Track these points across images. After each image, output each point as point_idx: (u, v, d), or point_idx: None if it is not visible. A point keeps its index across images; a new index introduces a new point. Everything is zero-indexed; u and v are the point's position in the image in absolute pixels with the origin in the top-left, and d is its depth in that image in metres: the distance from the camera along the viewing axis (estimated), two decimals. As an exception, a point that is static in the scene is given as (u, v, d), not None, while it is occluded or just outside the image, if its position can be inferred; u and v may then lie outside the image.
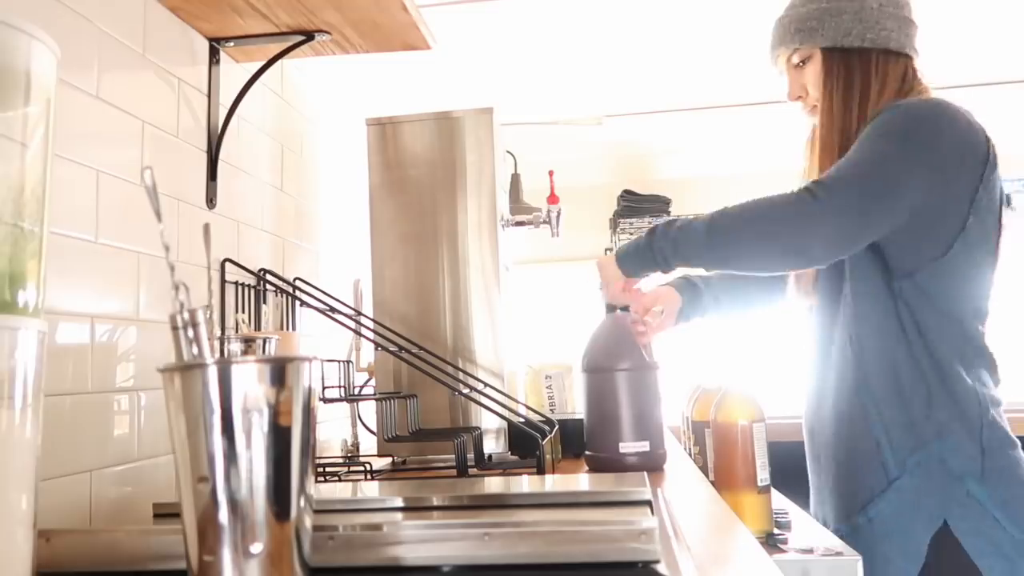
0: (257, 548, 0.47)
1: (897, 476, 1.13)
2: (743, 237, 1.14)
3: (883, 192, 1.09)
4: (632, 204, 3.27)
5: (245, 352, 1.05)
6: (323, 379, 1.34)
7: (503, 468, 1.21)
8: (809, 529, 1.25)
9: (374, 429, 1.61)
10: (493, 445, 1.42)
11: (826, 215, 1.08)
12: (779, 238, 1.11)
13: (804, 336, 1.37)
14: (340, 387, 1.29)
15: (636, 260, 1.24)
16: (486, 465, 1.24)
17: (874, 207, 1.09)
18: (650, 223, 3.14)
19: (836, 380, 1.24)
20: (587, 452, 1.31)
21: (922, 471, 1.12)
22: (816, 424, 1.31)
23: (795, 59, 1.28)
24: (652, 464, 1.25)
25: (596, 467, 1.28)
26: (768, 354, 3.57)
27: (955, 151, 1.13)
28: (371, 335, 1.40)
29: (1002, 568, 1.08)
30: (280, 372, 0.48)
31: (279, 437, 0.48)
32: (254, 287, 1.35)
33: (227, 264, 1.26)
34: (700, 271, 1.43)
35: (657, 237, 1.21)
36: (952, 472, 1.11)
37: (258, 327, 1.36)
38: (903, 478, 1.13)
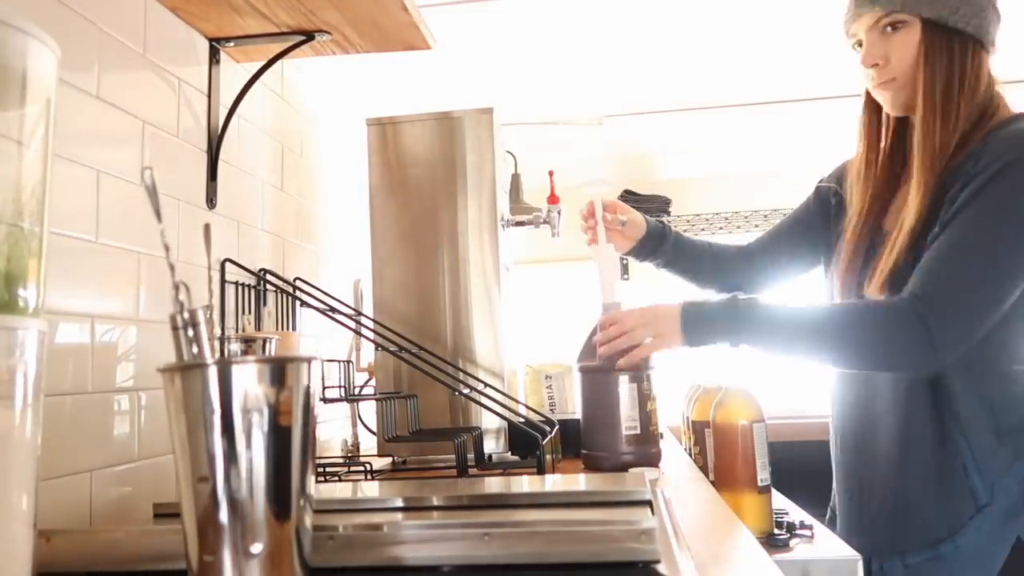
0: (257, 548, 0.47)
1: (987, 503, 1.08)
2: (837, 356, 1.12)
3: (999, 305, 1.04)
4: (632, 204, 3.26)
5: (245, 352, 1.05)
6: (323, 379, 1.34)
7: (503, 468, 1.21)
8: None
9: (374, 429, 1.61)
10: (493, 445, 1.42)
11: (941, 353, 1.03)
12: (881, 363, 1.11)
13: None
14: (340, 387, 1.29)
15: (705, 330, 1.17)
16: (486, 465, 1.24)
17: (989, 321, 1.04)
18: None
19: (897, 402, 1.17)
20: (583, 451, 1.31)
21: (1006, 494, 1.08)
22: (863, 448, 1.23)
23: (885, 21, 1.16)
24: (646, 462, 1.25)
25: (591, 465, 1.29)
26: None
27: None
28: (371, 335, 1.40)
29: None
30: (280, 372, 0.48)
31: (279, 437, 0.48)
32: (254, 287, 1.35)
33: (227, 264, 1.26)
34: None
35: (739, 319, 1.14)
36: None
37: (259, 327, 1.36)
38: (992, 503, 1.08)
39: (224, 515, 0.46)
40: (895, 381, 1.16)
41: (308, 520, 0.50)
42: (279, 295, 1.42)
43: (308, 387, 0.50)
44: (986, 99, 1.13)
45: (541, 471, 1.13)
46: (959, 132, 1.11)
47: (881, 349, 1.07)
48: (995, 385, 1.11)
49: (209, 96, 1.25)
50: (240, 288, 1.30)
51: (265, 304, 1.39)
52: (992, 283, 1.02)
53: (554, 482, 1.02)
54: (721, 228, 3.50)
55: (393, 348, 1.34)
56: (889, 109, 1.21)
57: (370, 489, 0.93)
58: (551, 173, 1.72)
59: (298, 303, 1.41)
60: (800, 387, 3.27)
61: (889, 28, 1.16)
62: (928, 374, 1.11)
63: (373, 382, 1.68)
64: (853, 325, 1.08)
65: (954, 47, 1.13)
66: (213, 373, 0.47)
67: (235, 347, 1.05)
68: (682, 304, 1.18)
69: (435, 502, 0.78)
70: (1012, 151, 1.05)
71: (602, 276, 1.35)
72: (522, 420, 1.32)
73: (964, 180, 1.07)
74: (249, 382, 0.47)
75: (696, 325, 1.17)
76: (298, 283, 1.47)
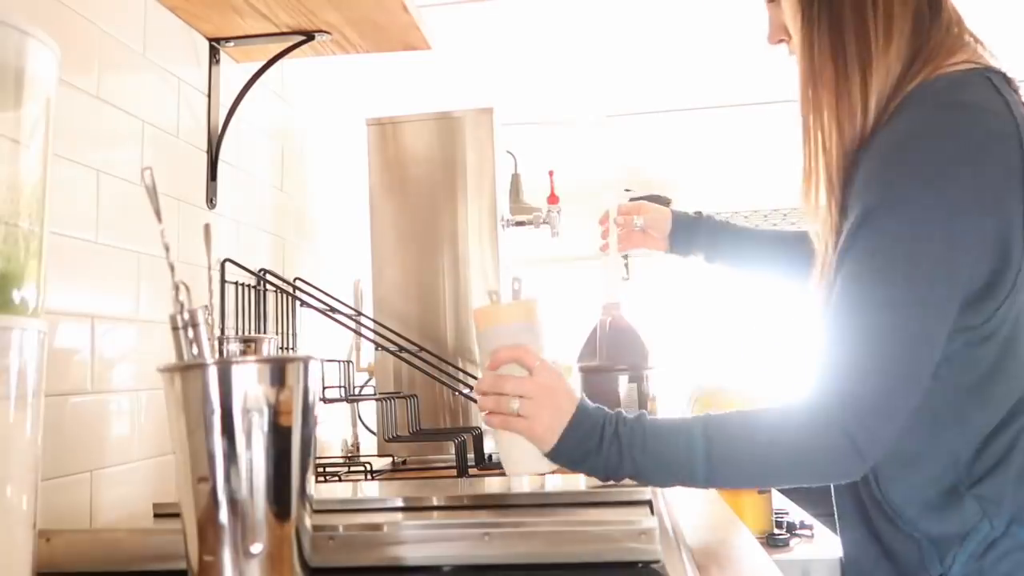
0: (257, 548, 0.47)
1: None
2: (751, 476, 0.83)
3: (921, 381, 0.77)
4: (632, 204, 3.27)
5: (244, 352, 1.05)
6: (323, 379, 1.34)
7: (503, 468, 1.21)
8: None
9: (374, 429, 1.61)
10: (493, 445, 1.42)
11: (871, 452, 0.77)
12: (805, 479, 0.81)
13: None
14: (340, 387, 1.29)
15: (574, 449, 0.80)
16: (486, 465, 1.24)
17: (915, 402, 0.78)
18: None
19: None
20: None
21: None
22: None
23: None
24: None
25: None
26: (768, 354, 3.58)
27: (996, 181, 0.75)
28: (371, 335, 1.40)
29: None
30: (280, 372, 0.48)
31: (279, 437, 0.48)
32: (254, 287, 1.35)
33: (227, 264, 1.26)
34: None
35: (615, 438, 0.80)
36: None
37: (260, 328, 1.36)
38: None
39: (224, 515, 0.46)
40: None
41: (308, 520, 0.50)
42: (279, 295, 1.42)
43: (308, 387, 0.50)
44: (913, 44, 0.81)
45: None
46: (862, 106, 0.82)
47: (815, 476, 0.80)
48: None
49: (209, 96, 1.25)
50: (240, 288, 1.30)
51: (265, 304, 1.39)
52: (907, 359, 0.76)
53: (554, 482, 1.02)
54: (721, 228, 3.51)
55: (393, 348, 1.34)
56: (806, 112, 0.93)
57: (370, 489, 0.94)
58: (551, 173, 1.72)
59: (298, 303, 1.41)
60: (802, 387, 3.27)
61: None
62: None
63: (373, 382, 1.68)
64: (774, 451, 0.79)
65: None
66: (213, 373, 0.47)
67: (234, 347, 1.05)
68: (578, 405, 0.82)
69: (435, 502, 0.78)
70: (878, 181, 0.77)
71: (605, 278, 1.35)
72: (522, 420, 1.31)
73: (851, 202, 0.80)
74: (249, 382, 0.47)
75: (571, 440, 0.80)
76: (298, 283, 1.47)
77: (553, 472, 0.84)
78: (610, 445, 0.79)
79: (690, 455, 0.78)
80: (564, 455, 0.80)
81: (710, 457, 0.77)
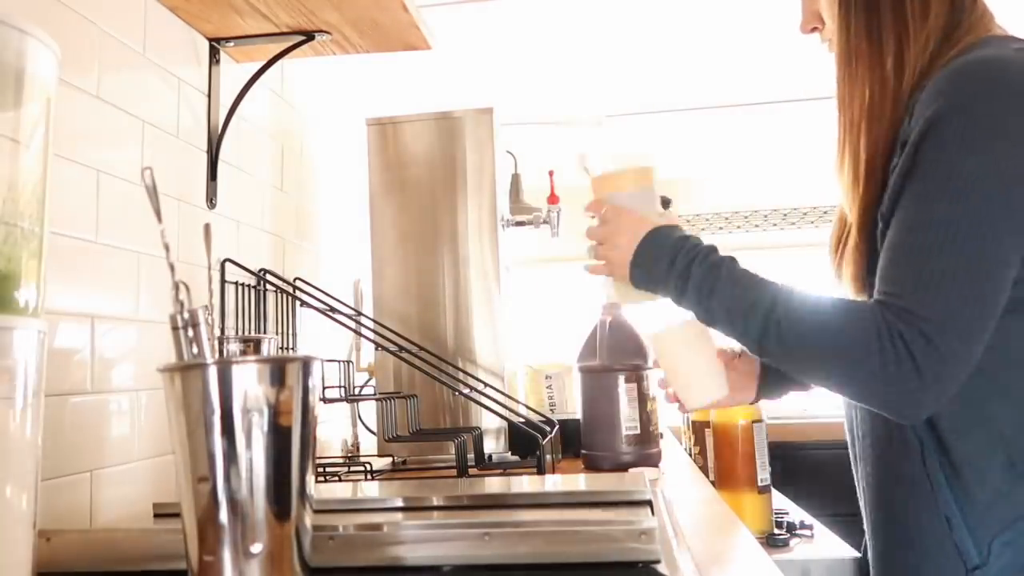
0: (257, 548, 0.47)
1: (979, 565, 0.79)
2: (801, 364, 0.84)
3: (995, 308, 0.75)
4: (632, 204, 3.27)
5: (244, 352, 1.05)
6: (323, 379, 1.34)
7: (503, 468, 1.21)
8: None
9: (374, 429, 1.61)
10: (493, 445, 1.42)
11: (930, 389, 0.74)
12: (852, 388, 0.80)
13: None
14: (340, 387, 1.29)
15: (651, 275, 0.91)
16: (486, 465, 1.24)
17: (988, 328, 0.75)
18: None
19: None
20: (583, 451, 1.31)
21: (1014, 553, 0.78)
22: (860, 450, 0.94)
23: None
24: (646, 462, 1.26)
25: (591, 465, 1.29)
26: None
27: None
28: (371, 335, 1.40)
29: None
30: (280, 372, 0.48)
31: (279, 437, 0.48)
32: (254, 287, 1.35)
33: (227, 264, 1.26)
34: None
35: (693, 276, 0.87)
36: None
37: (260, 328, 1.36)
38: (988, 566, 0.79)
39: (224, 515, 0.46)
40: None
41: (308, 520, 0.50)
42: (279, 295, 1.42)
43: (308, 387, 0.50)
44: (948, 23, 0.83)
45: (541, 471, 1.13)
46: (904, 78, 0.83)
47: (866, 387, 0.78)
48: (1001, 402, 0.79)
49: (209, 96, 1.25)
50: (240, 288, 1.30)
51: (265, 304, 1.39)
52: (978, 276, 0.73)
53: (554, 482, 1.02)
54: (721, 228, 3.50)
55: (393, 348, 1.34)
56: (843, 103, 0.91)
57: (370, 489, 0.94)
58: (551, 173, 1.72)
59: (298, 303, 1.41)
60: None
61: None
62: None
63: (373, 382, 1.68)
64: (836, 340, 0.78)
65: None
66: (213, 373, 0.47)
67: (234, 347, 1.05)
68: (651, 229, 0.91)
69: (435, 502, 0.78)
70: (939, 97, 0.77)
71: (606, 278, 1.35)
72: (522, 420, 1.31)
73: (903, 139, 0.81)
74: (249, 382, 0.47)
75: (643, 260, 0.91)
76: (298, 283, 1.47)
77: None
78: (679, 279, 0.87)
79: (753, 310, 0.82)
80: (639, 280, 0.92)
81: (769, 317, 0.81)
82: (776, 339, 0.82)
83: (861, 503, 0.94)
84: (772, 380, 1.07)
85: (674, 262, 0.88)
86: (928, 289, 0.74)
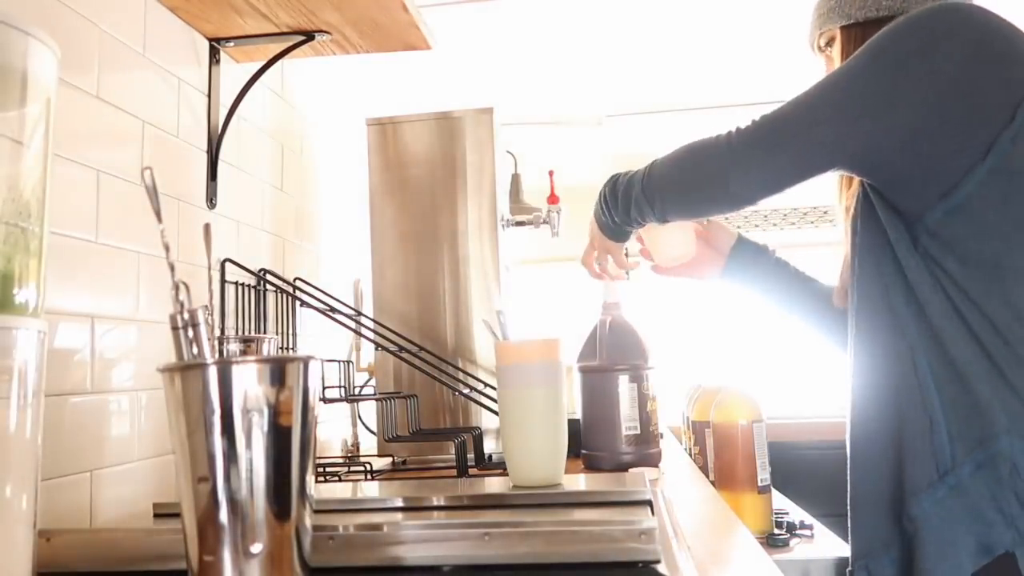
0: (257, 548, 0.47)
1: (949, 469, 0.83)
2: (673, 180, 1.06)
3: (797, 130, 0.96)
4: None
5: (244, 352, 1.05)
6: (323, 379, 1.34)
7: (503, 468, 1.21)
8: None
9: (374, 429, 1.61)
10: (493, 445, 1.42)
11: (736, 155, 1.00)
12: (702, 177, 1.04)
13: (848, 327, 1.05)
14: (340, 387, 1.29)
15: (607, 227, 1.16)
16: (486, 465, 1.24)
17: (787, 143, 0.97)
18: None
19: (884, 357, 0.94)
20: (583, 451, 1.31)
21: (987, 474, 0.81)
22: (856, 424, 0.99)
23: (822, 43, 1.12)
24: (646, 462, 1.25)
25: (591, 465, 1.29)
26: (768, 354, 3.58)
27: (963, 61, 0.87)
28: (371, 335, 1.40)
29: None
30: (280, 372, 0.48)
31: (279, 437, 0.48)
32: (254, 287, 1.35)
33: (227, 264, 1.26)
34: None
35: (610, 200, 1.13)
36: None
37: (260, 328, 1.36)
38: (961, 474, 0.82)
39: (224, 515, 0.46)
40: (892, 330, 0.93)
41: (308, 520, 0.50)
42: (279, 295, 1.42)
43: (308, 387, 0.50)
44: None
45: (541, 471, 1.13)
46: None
47: (696, 179, 1.04)
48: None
49: (209, 96, 1.25)
50: (240, 288, 1.30)
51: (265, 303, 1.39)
52: (802, 120, 0.96)
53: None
54: (721, 228, 3.51)
55: (393, 348, 1.34)
56: None
57: (370, 489, 0.93)
58: (551, 173, 1.72)
59: (298, 303, 1.41)
60: (802, 387, 3.27)
61: (827, 46, 1.12)
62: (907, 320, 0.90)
63: (373, 382, 1.68)
64: (689, 150, 1.05)
65: (871, 36, 0.97)
66: (213, 373, 0.47)
67: (233, 347, 1.05)
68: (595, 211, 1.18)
69: (435, 502, 0.78)
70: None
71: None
72: (522, 420, 1.31)
73: None
74: (249, 382, 0.47)
75: (604, 208, 1.15)
76: (298, 283, 1.47)
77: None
78: (623, 212, 1.11)
79: (634, 178, 1.09)
80: (612, 233, 1.16)
81: (650, 171, 1.07)
82: (659, 168, 1.07)
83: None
84: (738, 262, 1.27)
85: (612, 212, 1.13)
86: (762, 124, 1.00)
